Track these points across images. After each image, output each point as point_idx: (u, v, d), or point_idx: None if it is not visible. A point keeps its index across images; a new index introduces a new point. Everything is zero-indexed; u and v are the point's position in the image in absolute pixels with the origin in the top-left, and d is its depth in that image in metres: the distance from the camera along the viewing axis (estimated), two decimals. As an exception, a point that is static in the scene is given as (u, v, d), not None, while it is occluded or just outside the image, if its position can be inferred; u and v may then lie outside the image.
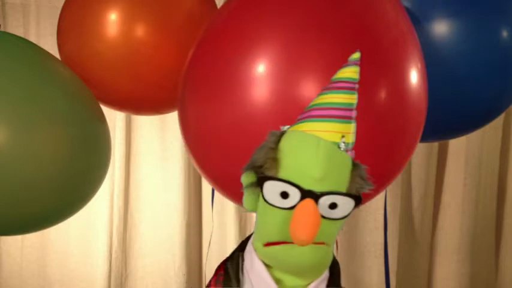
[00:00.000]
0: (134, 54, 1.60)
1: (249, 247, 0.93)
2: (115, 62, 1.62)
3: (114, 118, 2.43)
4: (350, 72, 0.89)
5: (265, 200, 0.84)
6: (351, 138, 0.88)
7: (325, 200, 0.82)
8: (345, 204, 0.84)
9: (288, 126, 0.90)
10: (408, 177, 2.66)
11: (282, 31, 1.28)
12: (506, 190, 2.76)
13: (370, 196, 1.49)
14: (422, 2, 1.58)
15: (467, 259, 2.69)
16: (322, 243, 0.85)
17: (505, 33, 1.56)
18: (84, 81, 1.62)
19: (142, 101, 1.75)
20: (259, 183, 0.84)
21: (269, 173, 0.84)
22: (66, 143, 1.46)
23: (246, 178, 0.88)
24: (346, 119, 0.87)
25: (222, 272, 0.94)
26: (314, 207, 0.80)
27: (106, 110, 1.72)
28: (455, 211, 2.69)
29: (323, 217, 0.81)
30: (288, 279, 0.88)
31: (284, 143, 0.86)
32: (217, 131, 1.33)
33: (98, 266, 2.55)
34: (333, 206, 0.83)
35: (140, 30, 1.60)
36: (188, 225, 2.58)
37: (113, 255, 2.56)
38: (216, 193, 1.84)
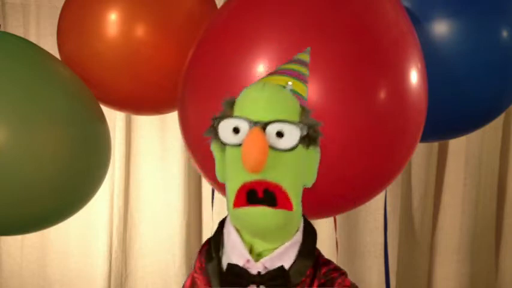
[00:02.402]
0: (134, 54, 1.60)
1: (227, 218, 0.97)
2: (115, 62, 1.62)
3: (114, 118, 2.43)
4: (302, 55, 0.99)
5: (222, 142, 0.89)
6: (302, 91, 0.95)
7: (272, 128, 0.86)
8: (292, 133, 0.87)
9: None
10: (408, 177, 2.66)
11: (282, 31, 1.28)
12: (506, 190, 2.76)
13: (370, 196, 1.49)
14: (422, 2, 1.58)
15: (467, 259, 2.69)
16: (284, 197, 0.87)
17: (505, 33, 1.56)
18: (84, 81, 1.62)
19: (142, 101, 1.75)
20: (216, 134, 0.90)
21: (220, 117, 0.90)
22: (66, 143, 1.46)
23: (213, 144, 0.93)
24: (296, 77, 0.95)
25: (206, 247, 0.98)
26: (260, 132, 0.83)
27: (106, 110, 1.72)
28: (455, 211, 2.68)
29: (271, 147, 0.84)
30: (258, 244, 0.91)
31: (239, 97, 0.93)
32: (217, 131, 1.33)
33: (98, 266, 2.55)
34: (279, 134, 0.86)
35: (140, 30, 1.60)
36: (188, 225, 2.58)
37: (113, 255, 2.56)
38: (216, 193, 1.84)
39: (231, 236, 0.93)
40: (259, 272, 0.90)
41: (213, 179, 1.48)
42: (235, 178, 0.88)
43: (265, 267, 0.90)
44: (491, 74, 1.56)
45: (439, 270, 2.73)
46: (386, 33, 1.33)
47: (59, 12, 1.73)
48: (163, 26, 1.62)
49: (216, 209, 2.10)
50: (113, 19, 1.59)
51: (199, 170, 1.53)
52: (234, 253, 0.92)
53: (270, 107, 0.88)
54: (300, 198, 0.92)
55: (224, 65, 1.33)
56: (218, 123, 0.89)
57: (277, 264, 0.90)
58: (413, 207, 2.69)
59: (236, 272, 0.90)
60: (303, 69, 0.98)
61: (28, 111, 1.38)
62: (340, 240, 2.49)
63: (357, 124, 1.26)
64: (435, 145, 2.63)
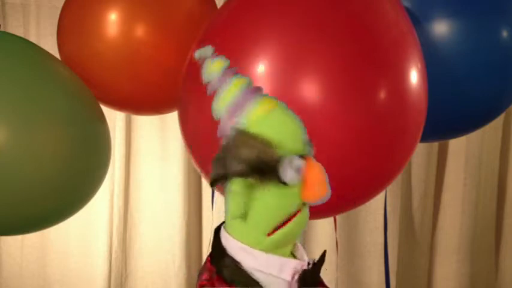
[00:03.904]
0: (134, 54, 1.60)
1: (237, 246, 0.92)
2: (115, 62, 1.62)
3: (114, 118, 2.43)
4: (218, 65, 0.94)
5: (283, 183, 0.86)
6: None
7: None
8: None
9: (240, 123, 0.91)
10: (408, 177, 2.66)
11: (282, 31, 1.28)
12: (506, 190, 2.76)
13: (370, 196, 1.49)
14: (422, 2, 1.58)
15: (467, 259, 2.69)
16: None
17: (505, 33, 1.56)
18: (84, 81, 1.62)
19: (142, 101, 1.75)
20: (269, 169, 0.86)
21: (274, 157, 0.86)
22: (66, 143, 1.46)
23: (239, 183, 0.88)
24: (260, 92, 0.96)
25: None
26: (315, 161, 0.89)
27: (106, 110, 1.72)
28: (455, 211, 2.68)
29: None
30: (286, 251, 0.94)
31: (263, 128, 0.89)
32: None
33: (98, 266, 2.55)
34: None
35: (140, 30, 1.60)
36: (188, 225, 2.58)
37: (113, 255, 2.56)
38: (216, 193, 1.84)
39: (267, 261, 0.91)
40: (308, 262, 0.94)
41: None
42: (277, 213, 0.89)
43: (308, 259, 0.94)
44: (491, 74, 1.56)
45: (439, 270, 2.73)
46: (386, 33, 1.33)
47: (59, 12, 1.73)
48: (163, 26, 1.62)
49: (216, 209, 2.10)
50: (113, 19, 1.59)
51: (199, 170, 1.53)
52: (286, 271, 0.91)
53: (303, 135, 0.92)
54: None
55: (224, 65, 1.32)
56: (277, 164, 0.86)
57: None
58: (413, 207, 2.69)
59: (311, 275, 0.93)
60: (244, 81, 0.93)
61: (28, 111, 1.38)
62: (340, 240, 2.49)
63: (357, 124, 1.26)
64: (435, 145, 2.63)
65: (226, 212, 0.94)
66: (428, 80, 1.40)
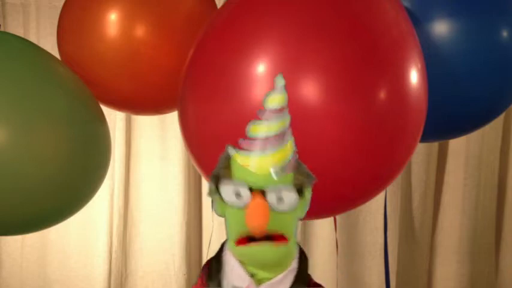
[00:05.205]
0: (134, 54, 1.60)
1: (226, 247, 1.04)
2: (115, 62, 1.62)
3: (114, 118, 2.43)
4: (278, 100, 0.99)
5: (225, 202, 0.96)
6: (286, 157, 0.97)
7: (271, 194, 0.93)
8: (290, 198, 0.95)
9: (233, 149, 0.98)
10: (408, 177, 2.66)
11: (281, 31, 1.28)
12: (506, 190, 2.76)
13: (370, 196, 1.49)
14: (422, 2, 1.58)
15: (467, 259, 2.69)
16: (281, 236, 0.96)
17: (505, 33, 1.56)
18: (84, 81, 1.62)
19: (142, 101, 1.75)
20: (216, 188, 0.98)
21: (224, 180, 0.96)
22: (66, 143, 1.46)
23: (210, 189, 1.01)
24: (279, 145, 0.97)
25: (208, 266, 1.05)
26: (262, 199, 0.92)
27: (106, 110, 1.72)
28: (455, 211, 2.69)
29: (273, 210, 0.93)
30: (259, 273, 0.98)
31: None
32: (217, 131, 1.33)
33: (98, 266, 2.55)
34: (279, 199, 0.94)
35: (140, 30, 1.61)
36: (188, 225, 2.58)
37: (113, 255, 2.56)
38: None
39: (230, 261, 1.01)
40: None
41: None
42: (238, 228, 0.96)
43: None
44: (491, 74, 1.56)
45: (439, 270, 2.73)
46: (386, 33, 1.33)
47: (59, 12, 1.73)
48: (163, 26, 1.62)
49: (216, 209, 2.10)
50: (113, 19, 1.59)
51: (199, 170, 1.53)
52: (234, 276, 0.99)
53: (267, 174, 0.94)
54: (294, 230, 1.00)
55: (224, 64, 1.33)
56: (218, 185, 0.97)
57: None
58: (413, 207, 2.69)
59: None
60: (283, 124, 0.97)
61: (28, 111, 1.38)
62: (340, 240, 2.49)
63: (357, 124, 1.26)
64: (435, 145, 2.63)
65: None
66: (428, 80, 1.40)
